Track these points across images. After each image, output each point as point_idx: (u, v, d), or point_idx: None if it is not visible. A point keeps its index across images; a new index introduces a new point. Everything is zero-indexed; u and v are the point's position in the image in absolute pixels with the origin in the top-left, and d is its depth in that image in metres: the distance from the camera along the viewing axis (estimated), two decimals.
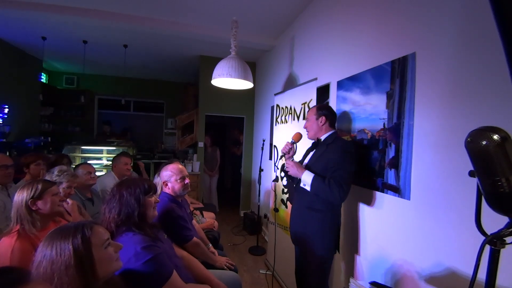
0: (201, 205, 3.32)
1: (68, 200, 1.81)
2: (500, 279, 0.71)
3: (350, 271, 1.91)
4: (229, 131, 5.51)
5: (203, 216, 2.72)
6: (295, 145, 1.85)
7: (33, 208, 1.33)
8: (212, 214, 2.94)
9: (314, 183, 1.60)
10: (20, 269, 0.63)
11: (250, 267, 3.05)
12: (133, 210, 1.23)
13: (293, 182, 1.91)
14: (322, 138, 1.77)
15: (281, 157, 1.93)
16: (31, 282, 0.59)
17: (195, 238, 1.79)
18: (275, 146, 2.99)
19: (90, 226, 0.88)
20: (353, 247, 1.88)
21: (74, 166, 2.73)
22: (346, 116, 1.99)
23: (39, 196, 1.35)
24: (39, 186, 1.37)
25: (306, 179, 1.63)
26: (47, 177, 1.80)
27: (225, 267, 1.88)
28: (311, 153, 1.81)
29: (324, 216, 1.67)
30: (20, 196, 1.33)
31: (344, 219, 1.93)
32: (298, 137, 1.86)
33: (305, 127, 1.84)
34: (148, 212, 1.29)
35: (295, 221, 1.82)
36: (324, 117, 1.75)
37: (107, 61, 5.03)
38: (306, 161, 1.82)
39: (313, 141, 1.83)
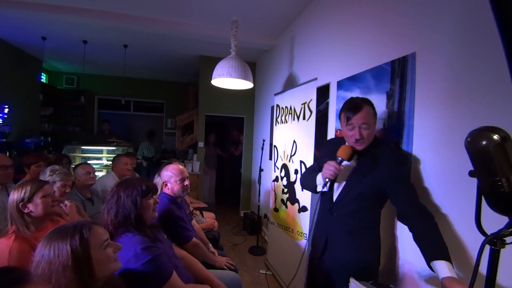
0: (201, 204, 3.30)
1: (66, 202, 1.79)
2: (500, 279, 0.71)
3: None
4: (228, 131, 5.54)
5: (203, 216, 2.72)
6: (342, 164, 1.31)
7: (25, 211, 1.30)
8: (212, 214, 2.94)
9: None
10: (20, 269, 0.62)
11: (250, 267, 3.05)
12: (129, 213, 1.22)
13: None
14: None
15: (325, 184, 1.34)
16: (31, 282, 0.59)
17: (194, 239, 1.79)
18: (275, 146, 3.00)
19: (88, 227, 0.88)
20: None
21: (74, 166, 2.73)
22: None
23: (28, 199, 1.32)
24: (28, 189, 1.33)
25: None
26: (41, 178, 1.76)
27: (225, 267, 1.88)
28: (348, 168, 1.37)
29: (373, 240, 1.39)
30: (12, 198, 1.31)
31: None
32: (348, 153, 1.29)
33: (362, 136, 1.27)
34: (145, 215, 1.28)
35: (337, 248, 1.41)
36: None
37: (107, 61, 5.03)
38: (342, 181, 1.40)
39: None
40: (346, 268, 1.31)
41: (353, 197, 1.34)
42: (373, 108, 1.31)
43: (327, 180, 1.32)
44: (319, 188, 1.43)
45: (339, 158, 1.30)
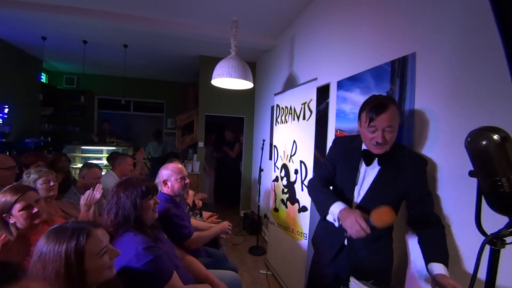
0: (199, 197, 3.17)
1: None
2: (500, 279, 0.71)
3: None
4: (225, 132, 5.54)
5: (201, 216, 2.71)
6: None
7: (11, 222, 1.26)
8: (211, 213, 2.93)
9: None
10: (14, 264, 0.62)
11: (250, 267, 3.05)
12: (129, 214, 1.22)
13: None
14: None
15: (345, 237, 1.29)
16: (24, 278, 0.58)
17: (194, 234, 1.79)
18: (275, 146, 2.99)
19: (87, 232, 0.84)
20: None
21: (81, 166, 2.72)
22: (346, 117, 1.99)
23: (8, 213, 1.26)
24: (3, 201, 1.26)
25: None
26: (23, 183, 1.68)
27: (228, 230, 1.91)
28: (369, 174, 1.25)
29: (388, 245, 1.35)
30: None
31: None
32: (386, 222, 1.08)
33: (385, 139, 1.14)
34: (145, 216, 1.28)
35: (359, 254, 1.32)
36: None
37: (107, 61, 5.03)
38: (359, 188, 1.28)
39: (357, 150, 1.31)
40: (361, 272, 1.19)
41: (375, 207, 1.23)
42: (398, 108, 1.17)
43: (349, 236, 1.13)
44: (329, 219, 1.33)
45: (371, 220, 1.08)
